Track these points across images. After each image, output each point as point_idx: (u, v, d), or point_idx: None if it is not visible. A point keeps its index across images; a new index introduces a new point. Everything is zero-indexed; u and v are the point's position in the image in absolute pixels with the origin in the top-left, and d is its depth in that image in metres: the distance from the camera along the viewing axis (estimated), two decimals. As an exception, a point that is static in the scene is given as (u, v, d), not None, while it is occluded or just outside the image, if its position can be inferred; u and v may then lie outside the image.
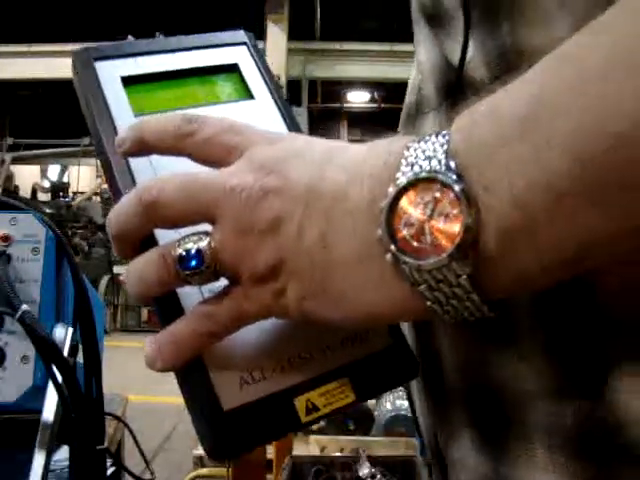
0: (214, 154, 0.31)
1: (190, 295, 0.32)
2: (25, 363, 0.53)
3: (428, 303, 0.26)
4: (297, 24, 7.26)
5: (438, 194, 0.25)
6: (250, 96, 0.40)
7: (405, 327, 0.32)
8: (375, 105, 10.71)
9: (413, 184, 0.25)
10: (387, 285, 0.26)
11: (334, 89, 10.53)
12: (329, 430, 2.44)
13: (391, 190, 0.26)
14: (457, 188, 0.24)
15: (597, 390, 0.30)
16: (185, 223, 0.30)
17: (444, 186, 0.25)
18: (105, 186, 10.02)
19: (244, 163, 0.30)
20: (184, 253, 0.29)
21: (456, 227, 0.24)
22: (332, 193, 0.28)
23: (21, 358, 0.53)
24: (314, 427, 2.28)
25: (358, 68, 7.78)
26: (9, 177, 9.29)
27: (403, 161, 0.26)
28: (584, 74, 0.23)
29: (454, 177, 0.24)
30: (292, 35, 7.24)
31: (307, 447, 2.30)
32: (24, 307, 0.49)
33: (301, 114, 7.54)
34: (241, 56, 0.42)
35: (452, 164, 0.25)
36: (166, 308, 0.32)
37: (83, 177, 11.38)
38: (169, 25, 8.56)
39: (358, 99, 11.23)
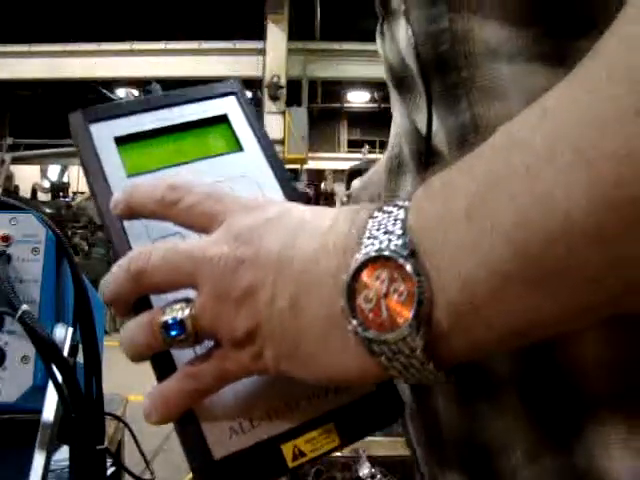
0: (197, 222, 0.33)
1: (182, 352, 0.34)
2: (25, 363, 0.53)
3: (389, 371, 0.28)
4: (297, 24, 7.26)
5: (394, 272, 0.26)
6: (239, 148, 0.41)
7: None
8: (375, 105, 10.72)
9: (372, 260, 0.27)
10: (350, 353, 0.28)
11: (334, 89, 10.53)
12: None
13: (352, 265, 0.27)
14: (409, 268, 0.26)
15: (573, 443, 0.32)
16: (171, 290, 0.33)
17: (398, 265, 0.26)
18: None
19: (222, 233, 0.32)
20: (168, 321, 0.32)
21: (409, 304, 0.26)
22: (302, 262, 0.30)
23: (21, 358, 0.53)
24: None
25: (358, 68, 7.79)
26: (9, 177, 9.30)
27: (366, 232, 0.28)
28: (529, 160, 0.24)
29: (407, 255, 0.26)
30: (292, 35, 7.25)
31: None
32: (24, 307, 0.49)
33: (301, 114, 7.54)
34: (230, 106, 0.43)
35: (407, 241, 0.26)
36: (160, 365, 0.34)
37: (83, 177, 11.35)
38: (169, 25, 8.57)
39: (358, 99, 11.23)
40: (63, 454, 0.59)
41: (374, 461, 1.90)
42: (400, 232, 0.27)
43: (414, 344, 0.26)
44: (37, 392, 0.52)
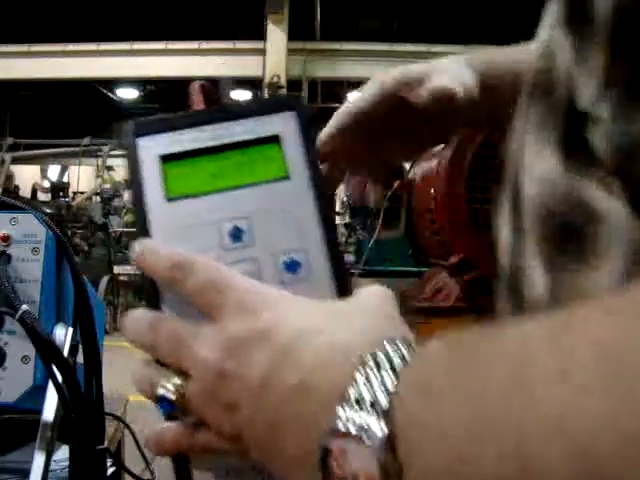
0: (198, 305, 0.35)
1: None
2: (25, 363, 0.53)
3: None
4: (297, 24, 7.26)
5: (365, 455, 0.26)
6: (286, 176, 0.40)
7: None
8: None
9: (344, 434, 0.26)
10: None
11: (334, 89, 10.52)
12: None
13: (327, 430, 0.27)
14: (381, 459, 0.25)
15: None
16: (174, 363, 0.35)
17: (372, 450, 0.25)
18: (105, 186, 10.03)
19: (215, 335, 0.33)
20: (161, 395, 0.34)
21: None
22: (283, 393, 0.30)
23: (21, 358, 0.53)
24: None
25: (358, 68, 7.78)
26: (9, 177, 9.29)
27: (351, 391, 0.27)
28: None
29: (384, 444, 0.25)
30: (292, 35, 7.24)
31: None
32: (24, 307, 0.49)
33: (301, 114, 7.52)
34: (285, 125, 0.41)
35: (387, 427, 0.25)
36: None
37: (83, 177, 11.37)
38: (169, 25, 8.56)
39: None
40: (63, 454, 0.59)
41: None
42: (384, 407, 0.26)
43: None
44: (37, 392, 0.52)
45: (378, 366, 0.27)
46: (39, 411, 0.52)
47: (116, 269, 7.89)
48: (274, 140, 0.40)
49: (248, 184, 0.39)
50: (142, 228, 0.38)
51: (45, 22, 8.19)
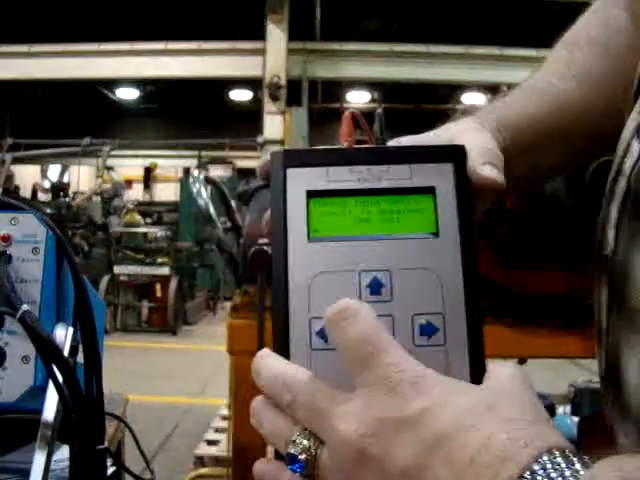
0: (347, 358, 0.33)
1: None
2: (25, 363, 0.53)
3: None
4: (297, 24, 7.25)
5: None
6: (435, 233, 0.37)
7: None
8: (375, 105, 10.71)
9: None
10: None
11: (334, 89, 10.52)
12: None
13: None
14: None
15: None
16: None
17: None
18: (105, 186, 10.02)
19: (359, 411, 0.31)
20: (292, 455, 0.33)
21: None
22: None
23: (21, 358, 0.53)
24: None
25: (358, 68, 7.78)
26: (9, 177, 9.29)
27: None
28: None
29: None
30: (292, 35, 7.24)
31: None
32: (24, 307, 0.49)
33: (301, 114, 7.53)
34: (443, 177, 0.38)
35: None
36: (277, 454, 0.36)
37: (83, 177, 11.36)
38: (169, 25, 8.54)
39: (358, 99, 11.22)
40: (63, 454, 0.59)
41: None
42: None
43: None
44: (37, 392, 0.52)
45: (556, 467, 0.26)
46: (39, 411, 0.51)
47: (116, 269, 7.89)
48: (429, 192, 0.38)
49: (394, 235, 0.37)
50: (281, 266, 0.36)
51: (45, 22, 8.19)
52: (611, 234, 0.43)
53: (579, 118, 0.52)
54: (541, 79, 0.55)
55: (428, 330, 0.36)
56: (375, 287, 0.36)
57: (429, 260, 0.36)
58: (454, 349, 0.35)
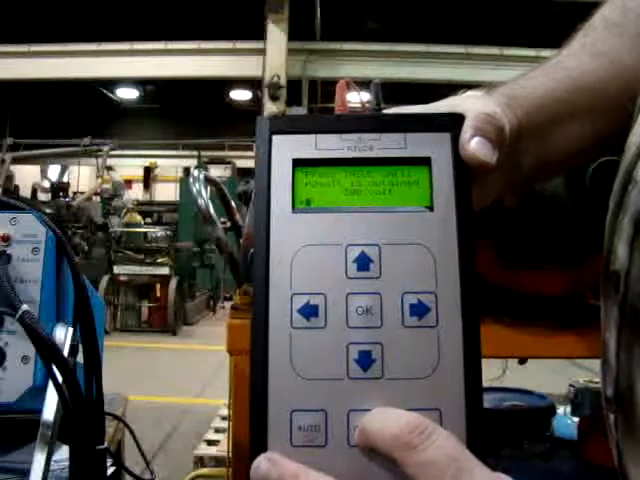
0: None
1: None
2: (25, 363, 0.53)
3: None
4: (297, 24, 7.25)
5: None
6: (430, 206, 0.35)
7: None
8: (375, 105, 10.70)
9: None
10: None
11: (334, 89, 10.51)
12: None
13: None
14: None
15: None
16: None
17: None
18: (105, 186, 10.03)
19: None
20: None
21: None
22: None
23: (21, 358, 0.53)
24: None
25: (358, 68, 7.77)
26: (9, 177, 9.29)
27: None
28: None
29: None
30: (292, 35, 7.24)
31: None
32: (24, 307, 0.49)
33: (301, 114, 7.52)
34: (439, 147, 0.35)
35: None
36: None
37: (83, 177, 11.38)
38: (169, 25, 8.54)
39: (358, 99, 11.22)
40: (63, 454, 0.59)
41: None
42: None
43: None
44: (37, 392, 0.52)
45: None
46: (39, 411, 0.51)
47: (116, 269, 7.89)
48: (424, 163, 0.35)
49: (385, 208, 0.35)
50: (263, 238, 0.34)
51: (45, 22, 8.19)
52: (622, 250, 0.41)
53: (597, 93, 0.48)
54: (552, 60, 0.52)
55: (419, 310, 0.33)
56: (362, 262, 0.34)
57: (422, 235, 0.34)
58: (447, 331, 0.33)
